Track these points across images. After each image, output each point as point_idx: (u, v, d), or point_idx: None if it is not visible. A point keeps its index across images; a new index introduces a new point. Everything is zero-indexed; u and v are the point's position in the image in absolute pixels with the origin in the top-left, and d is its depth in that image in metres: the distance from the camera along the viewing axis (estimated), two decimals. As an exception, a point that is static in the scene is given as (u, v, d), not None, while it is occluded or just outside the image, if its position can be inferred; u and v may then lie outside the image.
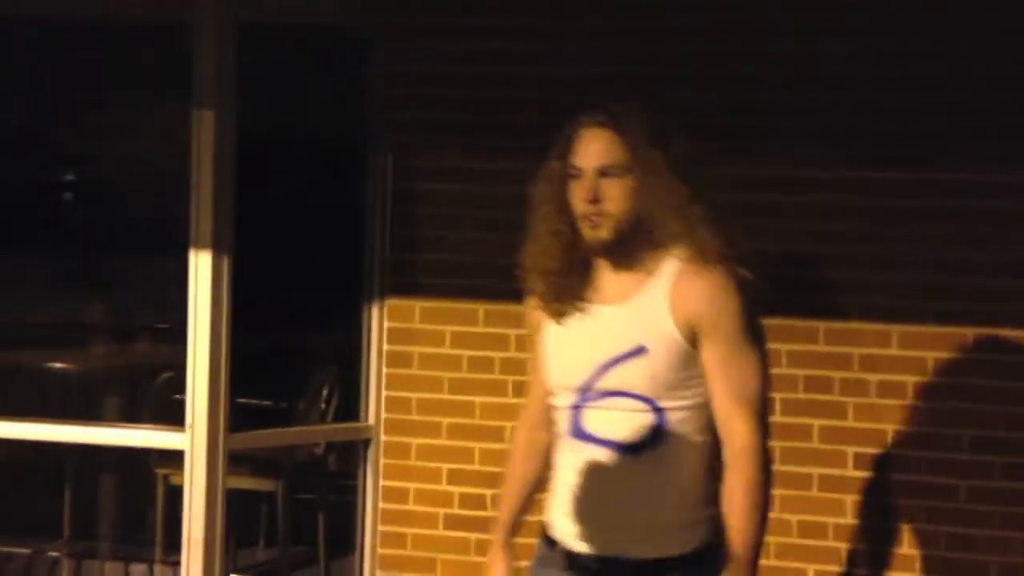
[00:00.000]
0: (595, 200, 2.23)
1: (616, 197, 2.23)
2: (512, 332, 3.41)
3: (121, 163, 4.91)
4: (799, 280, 3.30)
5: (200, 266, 3.37)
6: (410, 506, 3.57)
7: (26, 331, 4.71)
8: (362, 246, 3.62)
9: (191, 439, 3.39)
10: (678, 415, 2.22)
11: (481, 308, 3.49)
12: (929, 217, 3.23)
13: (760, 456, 2.21)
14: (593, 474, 2.23)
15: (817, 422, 3.31)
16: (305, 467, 4.26)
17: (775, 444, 3.26)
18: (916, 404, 3.26)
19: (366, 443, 3.63)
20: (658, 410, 2.21)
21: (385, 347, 3.60)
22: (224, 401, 3.40)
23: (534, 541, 2.35)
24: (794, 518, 3.32)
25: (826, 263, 3.28)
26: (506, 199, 3.06)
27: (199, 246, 3.37)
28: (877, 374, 3.27)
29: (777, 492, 3.27)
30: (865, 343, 3.27)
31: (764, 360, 2.26)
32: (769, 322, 3.27)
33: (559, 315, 2.29)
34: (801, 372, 3.31)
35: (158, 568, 4.10)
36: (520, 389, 3.16)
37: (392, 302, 3.59)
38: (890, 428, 3.28)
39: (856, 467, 3.29)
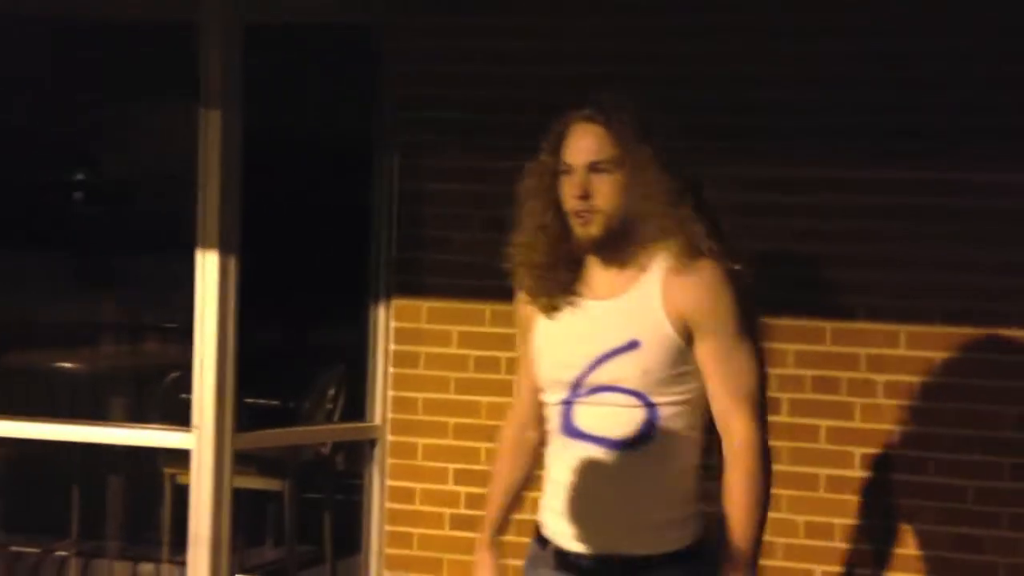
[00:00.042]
0: (585, 196, 2.22)
1: (606, 193, 2.22)
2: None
3: (132, 163, 4.92)
4: (806, 280, 3.30)
5: (207, 266, 3.38)
6: (416, 506, 3.57)
7: (35, 331, 4.72)
8: (368, 246, 3.62)
9: (198, 439, 3.40)
10: (669, 410, 2.21)
11: (488, 308, 3.48)
12: (933, 216, 3.22)
13: (760, 451, 2.21)
14: (584, 471, 2.22)
15: (824, 423, 3.30)
16: (312, 467, 4.27)
17: (782, 444, 3.30)
18: (923, 405, 3.25)
19: (372, 443, 3.63)
20: (650, 405, 2.20)
21: (392, 347, 3.60)
22: (231, 401, 3.41)
23: (527, 540, 2.34)
24: (801, 519, 3.31)
25: (831, 263, 3.28)
26: (513, 199, 3.05)
27: (206, 246, 3.37)
28: (884, 374, 3.26)
29: (784, 493, 3.30)
30: (872, 343, 3.26)
31: (761, 354, 2.25)
32: (776, 322, 3.30)
33: (549, 310, 2.28)
34: (808, 372, 3.30)
35: (165, 567, 4.11)
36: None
37: (399, 302, 3.59)
38: (897, 429, 3.27)
39: (863, 468, 3.29)
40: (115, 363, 4.74)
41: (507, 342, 3.47)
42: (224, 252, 3.37)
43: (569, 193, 2.24)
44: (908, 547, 3.26)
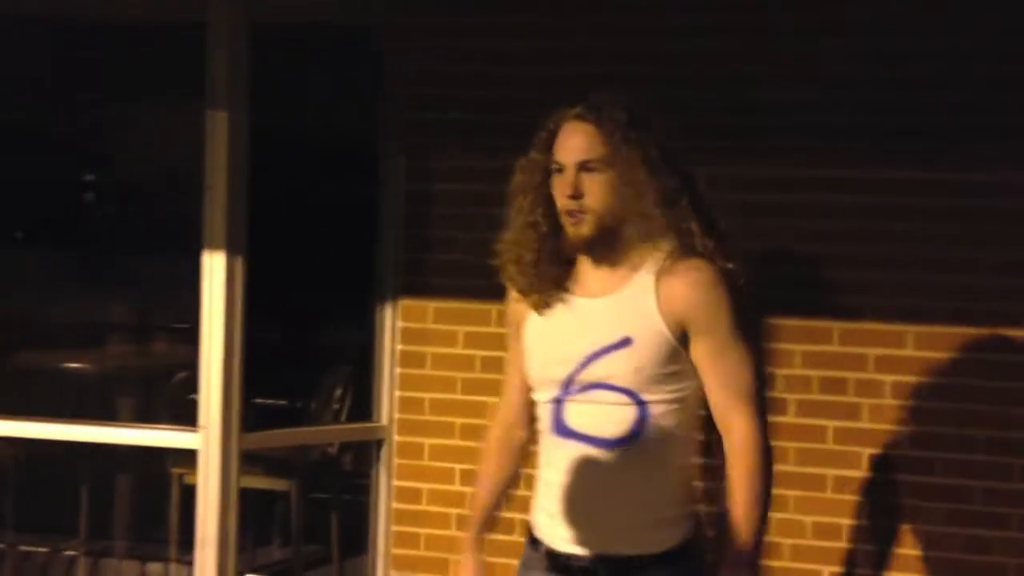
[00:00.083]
0: (576, 195, 2.21)
1: (596, 192, 2.20)
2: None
3: (140, 164, 4.93)
4: (811, 280, 3.29)
5: (213, 266, 3.38)
6: (423, 506, 3.57)
7: (43, 331, 4.73)
8: (375, 246, 3.62)
9: (205, 439, 3.40)
10: (661, 408, 2.20)
11: (494, 308, 3.48)
12: (936, 216, 3.21)
13: (760, 448, 2.20)
14: (574, 471, 2.22)
15: (831, 423, 3.29)
16: (319, 467, 4.27)
17: (789, 445, 3.29)
18: (931, 405, 3.24)
19: (379, 443, 3.64)
20: (641, 403, 2.19)
21: (398, 347, 3.60)
22: (237, 401, 3.41)
23: (521, 539, 2.34)
24: (808, 519, 3.30)
25: (836, 264, 3.27)
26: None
27: (212, 246, 3.38)
28: (892, 375, 3.25)
29: (791, 493, 3.29)
30: (880, 344, 3.25)
31: (757, 352, 2.25)
32: (782, 322, 3.29)
33: (541, 307, 2.27)
34: (815, 373, 3.30)
35: (173, 567, 4.12)
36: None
37: (405, 302, 3.59)
38: (905, 429, 3.26)
39: (871, 468, 3.27)
40: (123, 363, 4.75)
41: (513, 342, 3.46)
42: (231, 252, 3.37)
43: (560, 192, 2.23)
44: (917, 548, 3.25)
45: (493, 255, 2.34)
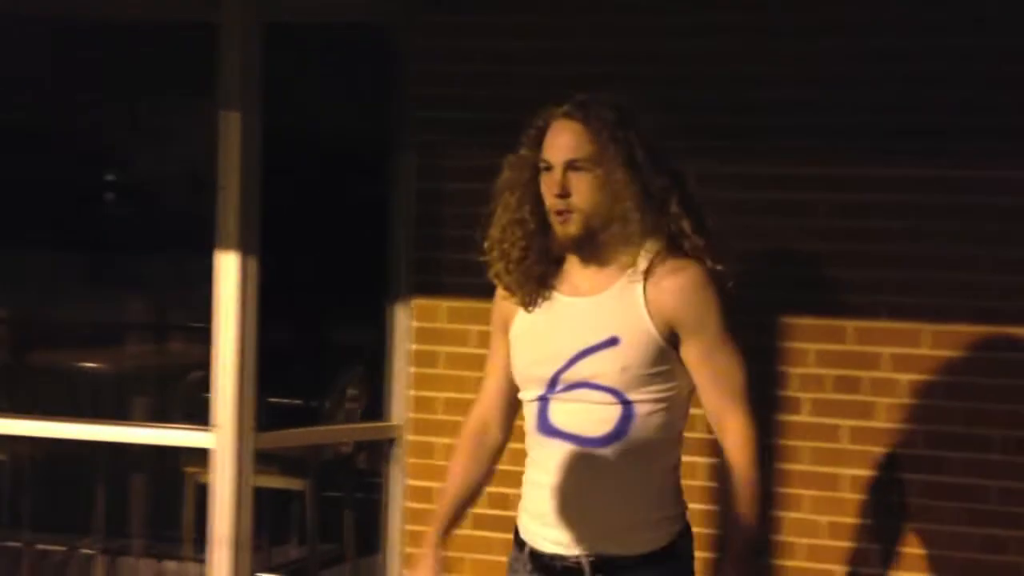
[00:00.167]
0: (564, 194, 2.19)
1: (584, 191, 2.19)
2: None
3: (155, 163, 4.94)
4: (823, 279, 3.28)
5: (226, 266, 3.39)
6: (436, 506, 3.56)
7: (57, 331, 4.75)
8: (388, 246, 3.62)
9: (218, 438, 3.41)
10: (646, 408, 2.19)
11: (507, 307, 3.48)
12: (942, 215, 3.19)
13: (755, 447, 2.21)
14: (560, 471, 2.21)
15: (846, 422, 3.28)
16: (333, 466, 4.28)
17: (803, 444, 3.28)
18: (946, 404, 3.22)
19: (392, 442, 3.64)
20: (626, 403, 2.18)
21: (411, 346, 3.60)
22: (251, 400, 3.41)
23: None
24: (823, 519, 3.29)
25: (845, 263, 3.25)
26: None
27: (225, 246, 3.38)
28: (907, 374, 3.23)
29: (806, 493, 3.28)
30: (895, 342, 3.24)
31: (746, 351, 2.24)
32: (796, 321, 3.28)
33: (528, 305, 2.26)
34: (829, 372, 3.28)
35: (189, 565, 4.13)
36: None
37: (418, 302, 3.59)
38: (920, 428, 3.24)
39: (886, 468, 3.26)
40: (138, 363, 4.77)
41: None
42: (244, 252, 3.38)
43: (548, 191, 2.22)
44: (932, 548, 3.23)
45: (480, 252, 2.32)
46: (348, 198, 4.10)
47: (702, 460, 3.10)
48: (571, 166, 2.20)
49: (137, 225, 4.99)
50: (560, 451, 2.21)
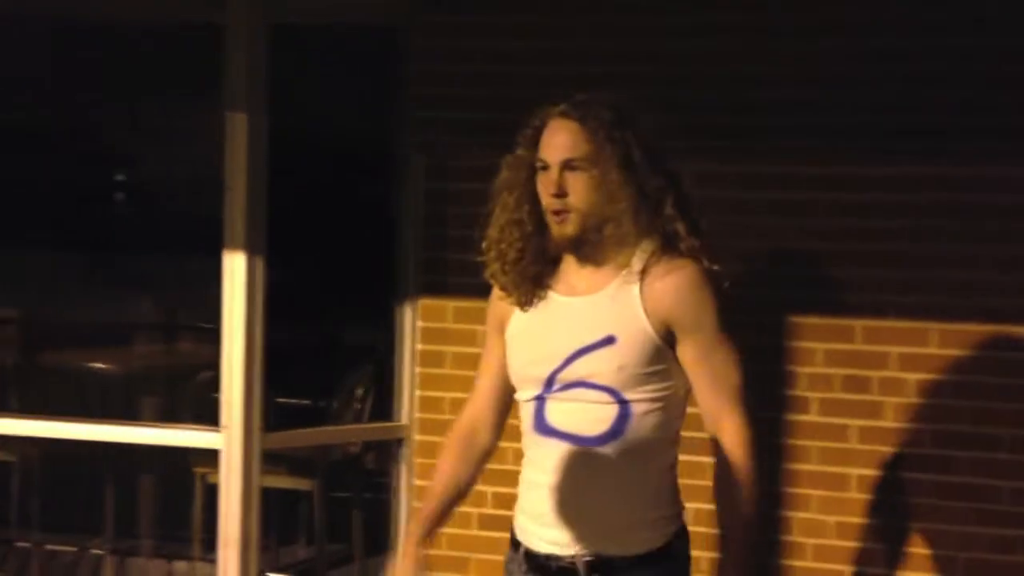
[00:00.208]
0: (560, 194, 2.19)
1: (580, 191, 2.19)
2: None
3: (164, 164, 4.96)
4: (829, 278, 3.27)
5: (234, 267, 3.39)
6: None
7: (67, 331, 4.77)
8: (395, 246, 3.62)
9: (227, 439, 3.42)
10: (642, 407, 2.19)
11: (514, 308, 3.47)
12: (942, 214, 3.18)
13: (752, 447, 2.21)
14: (556, 470, 2.20)
15: (855, 422, 3.26)
16: (341, 466, 4.28)
17: (812, 444, 3.27)
18: (955, 403, 3.20)
19: (400, 442, 3.64)
20: (622, 402, 2.18)
21: (418, 347, 3.60)
22: (259, 401, 3.42)
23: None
24: (832, 519, 3.28)
25: (851, 262, 3.24)
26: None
27: (233, 247, 3.39)
28: (916, 373, 3.22)
29: (814, 493, 3.27)
30: (903, 342, 3.22)
31: (742, 350, 2.24)
32: (804, 320, 3.27)
33: (524, 305, 2.26)
34: (838, 371, 3.27)
35: (198, 565, 4.14)
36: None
37: (425, 302, 3.59)
38: (928, 428, 3.23)
39: (894, 468, 3.25)
40: (146, 363, 4.78)
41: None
42: (251, 253, 3.38)
43: (545, 191, 2.22)
44: (942, 548, 3.22)
45: (478, 252, 2.32)
46: (354, 198, 4.10)
47: (706, 460, 3.09)
48: (567, 166, 2.20)
49: (146, 226, 5.00)
50: (557, 451, 2.21)
